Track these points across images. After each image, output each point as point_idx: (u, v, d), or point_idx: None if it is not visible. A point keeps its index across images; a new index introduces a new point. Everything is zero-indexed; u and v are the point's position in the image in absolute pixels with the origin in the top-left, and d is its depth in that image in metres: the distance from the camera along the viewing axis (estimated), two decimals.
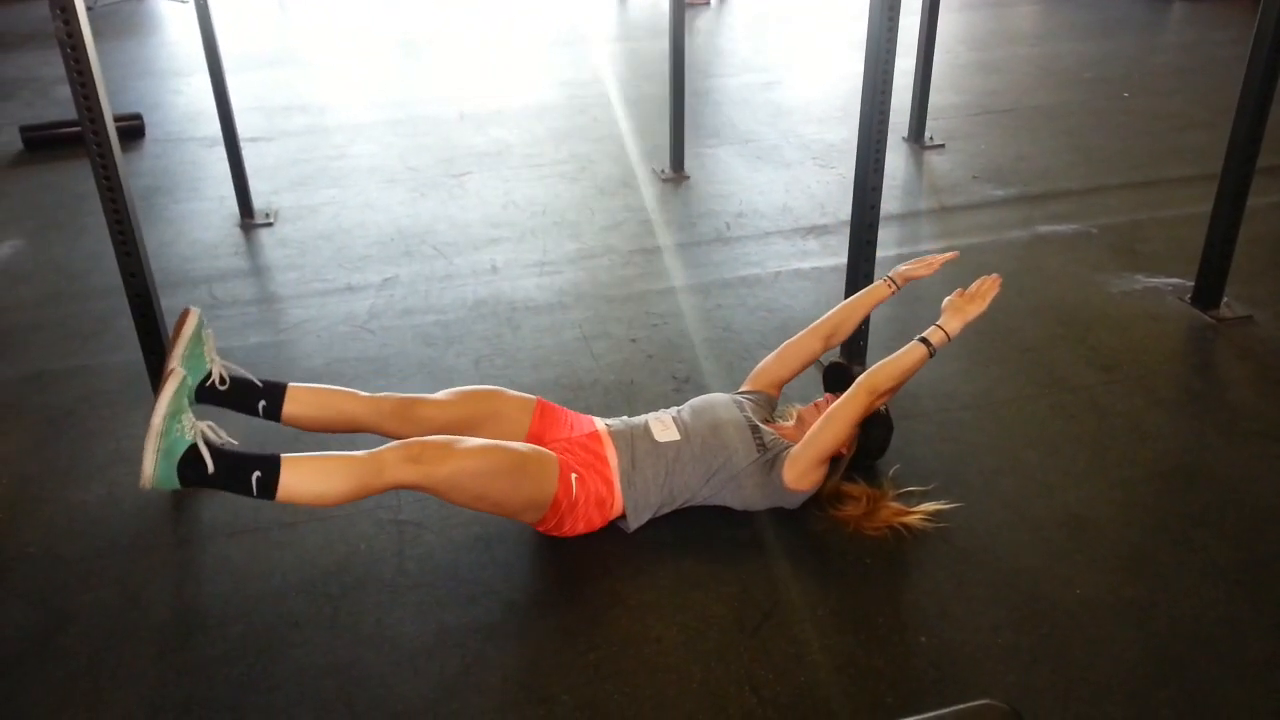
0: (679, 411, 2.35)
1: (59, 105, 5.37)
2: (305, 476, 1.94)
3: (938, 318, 2.24)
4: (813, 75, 5.89)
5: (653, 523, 2.24)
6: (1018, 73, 5.80)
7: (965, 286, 2.25)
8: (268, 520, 2.29)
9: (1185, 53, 6.19)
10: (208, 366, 2.20)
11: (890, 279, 2.52)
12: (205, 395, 2.21)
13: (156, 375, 2.45)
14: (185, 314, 2.21)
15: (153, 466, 1.88)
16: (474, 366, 2.95)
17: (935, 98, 4.67)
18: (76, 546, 2.26)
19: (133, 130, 4.91)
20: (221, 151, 3.95)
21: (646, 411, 2.40)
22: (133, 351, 2.63)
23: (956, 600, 2.06)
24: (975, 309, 2.20)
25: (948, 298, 2.26)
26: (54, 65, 5.76)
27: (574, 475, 2.13)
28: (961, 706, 1.42)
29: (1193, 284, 3.18)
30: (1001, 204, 4.01)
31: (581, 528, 2.19)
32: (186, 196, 4.26)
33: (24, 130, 4.82)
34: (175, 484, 1.91)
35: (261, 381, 2.22)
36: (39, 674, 1.93)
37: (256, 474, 1.92)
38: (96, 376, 2.93)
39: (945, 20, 4.61)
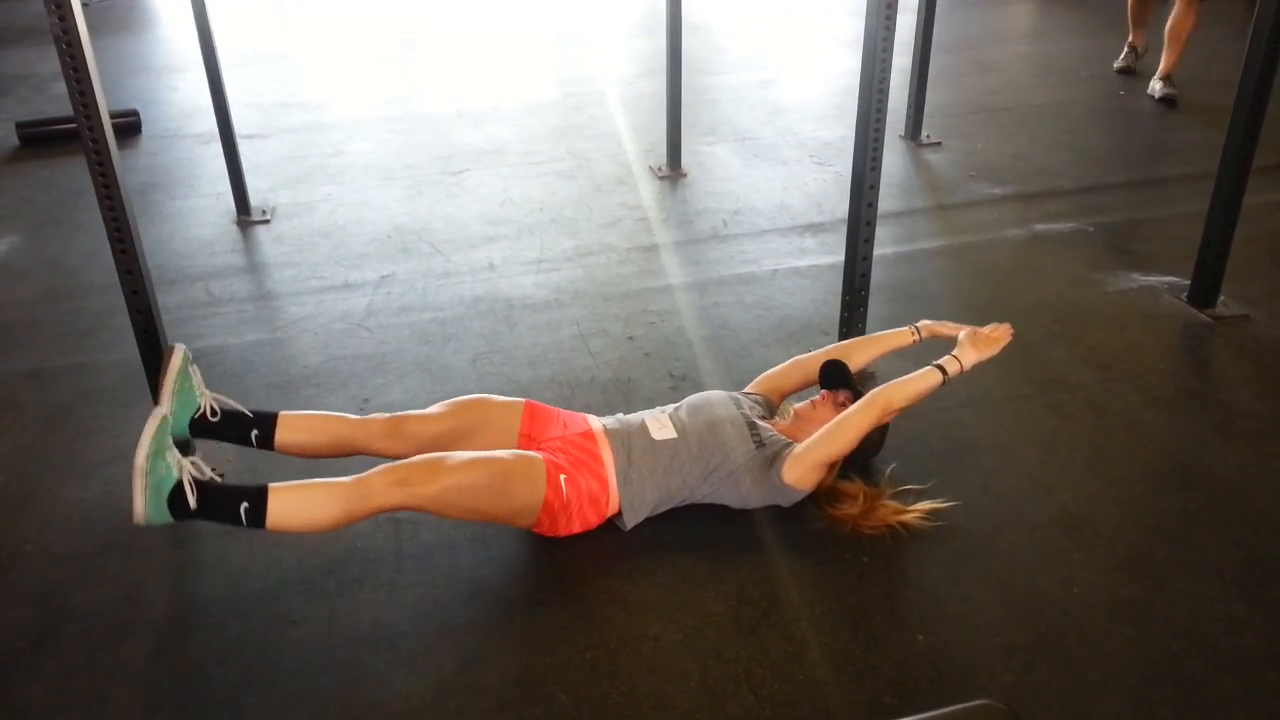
0: (676, 409, 2.35)
1: (55, 101, 5.35)
2: (292, 505, 1.98)
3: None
4: (810, 73, 5.89)
5: (650, 521, 2.24)
6: (1015, 71, 5.81)
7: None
8: None
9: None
10: (198, 400, 2.24)
11: (916, 329, 2.53)
12: (198, 429, 2.23)
13: (153, 373, 2.45)
14: (170, 350, 2.25)
15: (143, 504, 1.92)
16: (471, 364, 2.94)
17: (932, 96, 4.67)
18: (73, 544, 2.26)
19: (129, 127, 4.89)
20: (218, 148, 3.95)
21: (643, 409, 2.40)
22: (129, 349, 2.62)
23: (954, 599, 2.06)
24: (989, 351, 2.28)
25: (964, 331, 2.32)
26: (50, 61, 5.75)
27: (562, 476, 2.13)
28: (959, 706, 1.42)
29: (1189, 282, 3.19)
30: (998, 202, 4.01)
31: (578, 527, 2.19)
32: (183, 193, 4.26)
33: (20, 126, 4.81)
34: (168, 519, 1.95)
35: (252, 412, 2.25)
36: (36, 672, 1.93)
37: (244, 505, 1.96)
38: (93, 374, 2.93)
39: (942, 18, 4.60)
